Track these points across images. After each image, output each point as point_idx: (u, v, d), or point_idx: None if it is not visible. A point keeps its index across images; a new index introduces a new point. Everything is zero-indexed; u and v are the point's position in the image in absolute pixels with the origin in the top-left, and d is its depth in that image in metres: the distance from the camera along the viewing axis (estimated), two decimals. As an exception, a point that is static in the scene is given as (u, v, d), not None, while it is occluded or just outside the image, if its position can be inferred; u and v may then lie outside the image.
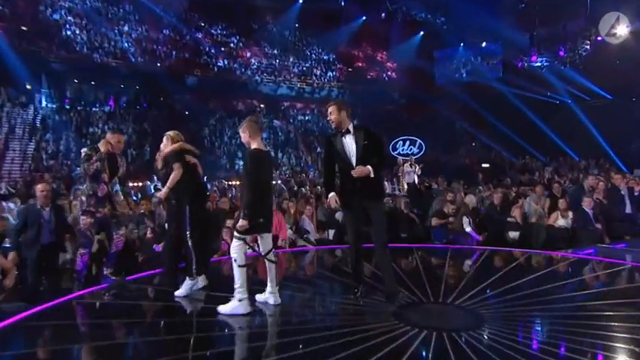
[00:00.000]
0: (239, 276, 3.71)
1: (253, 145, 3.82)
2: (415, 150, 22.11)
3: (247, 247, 3.81)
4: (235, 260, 3.74)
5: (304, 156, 21.98)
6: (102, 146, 4.79)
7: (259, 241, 3.98)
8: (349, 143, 3.92)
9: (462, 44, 22.89)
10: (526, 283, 4.54)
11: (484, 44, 22.18)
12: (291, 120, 24.81)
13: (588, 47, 17.01)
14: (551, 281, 4.68)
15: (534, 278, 4.82)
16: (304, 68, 26.33)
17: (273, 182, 16.62)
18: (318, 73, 26.61)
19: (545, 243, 7.23)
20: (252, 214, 3.69)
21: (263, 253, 3.94)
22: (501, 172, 20.46)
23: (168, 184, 4.19)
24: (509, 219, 7.82)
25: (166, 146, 4.39)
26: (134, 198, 10.92)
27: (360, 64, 28.15)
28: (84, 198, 5.64)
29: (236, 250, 3.74)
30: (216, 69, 23.69)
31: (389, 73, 27.87)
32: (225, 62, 24.31)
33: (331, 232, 7.94)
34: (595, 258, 5.80)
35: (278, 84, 24.94)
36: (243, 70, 24.51)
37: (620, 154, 19.61)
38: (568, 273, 5.26)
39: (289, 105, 25.84)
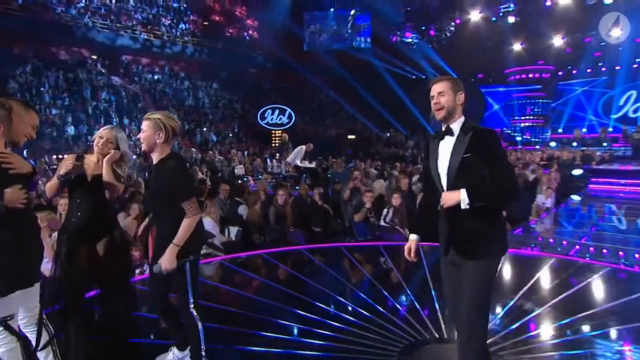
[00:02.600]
0: None
1: None
2: (285, 119, 21.61)
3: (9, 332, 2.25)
4: None
5: (157, 123, 19.26)
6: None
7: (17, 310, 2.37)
8: (444, 152, 2.42)
9: (332, 9, 22.76)
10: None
11: (353, 12, 22.45)
12: (135, 78, 21.44)
13: (453, 29, 18.70)
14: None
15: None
16: (150, 16, 22.88)
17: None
18: (168, 23, 23.51)
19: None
20: None
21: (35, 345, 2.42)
22: (369, 144, 21.53)
23: (181, 234, 2.53)
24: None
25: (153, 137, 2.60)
26: None
27: (217, 18, 25.84)
28: None
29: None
30: (20, 1, 18.74)
31: (250, 32, 26.28)
32: (36, -5, 19.46)
33: (233, 231, 6.80)
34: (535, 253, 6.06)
35: (117, 32, 21.14)
36: (64, 8, 20.00)
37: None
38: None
39: (132, 60, 22.26)
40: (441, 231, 2.50)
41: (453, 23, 19.00)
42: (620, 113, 22.05)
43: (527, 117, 22.81)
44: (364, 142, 21.76)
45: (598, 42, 20.18)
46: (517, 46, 21.26)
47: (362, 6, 21.93)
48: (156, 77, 22.56)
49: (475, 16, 18.71)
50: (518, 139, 22.46)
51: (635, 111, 21.77)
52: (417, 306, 3.98)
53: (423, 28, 19.74)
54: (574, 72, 22.49)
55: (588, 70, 22.11)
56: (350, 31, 22.16)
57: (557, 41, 20.78)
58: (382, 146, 20.76)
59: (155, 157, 2.62)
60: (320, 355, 3.16)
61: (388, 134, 22.68)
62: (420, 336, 3.43)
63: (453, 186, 2.36)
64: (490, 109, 24.24)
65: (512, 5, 17.77)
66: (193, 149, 14.92)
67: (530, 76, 22.27)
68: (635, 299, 4.06)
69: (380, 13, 20.73)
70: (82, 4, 20.62)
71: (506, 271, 5.11)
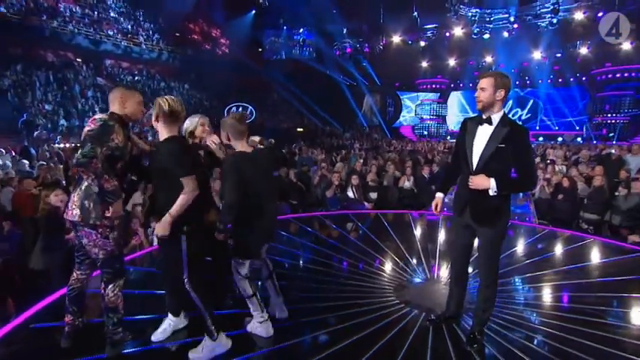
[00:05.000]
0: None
1: (237, 148, 2.43)
2: (247, 115, 20.99)
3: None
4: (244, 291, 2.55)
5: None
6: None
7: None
8: (481, 137, 2.24)
9: (285, 27, 22.23)
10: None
11: (301, 30, 22.11)
12: (118, 79, 19.53)
13: (381, 47, 19.18)
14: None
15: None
16: (129, 26, 20.84)
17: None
18: (144, 34, 21.57)
19: (397, 201, 7.73)
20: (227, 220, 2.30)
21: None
22: (314, 136, 21.56)
23: (177, 207, 2.16)
24: (370, 182, 8.08)
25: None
26: None
27: (189, 30, 24.10)
28: None
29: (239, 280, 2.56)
30: (18, 6, 16.34)
31: (215, 42, 24.85)
32: (22, 2, 16.96)
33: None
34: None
35: (100, 39, 19.04)
36: (50, 16, 17.63)
37: (386, 125, 23.52)
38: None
39: (113, 63, 20.22)
40: (459, 197, 2.37)
41: (381, 43, 19.58)
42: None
43: (432, 117, 24.14)
44: (310, 134, 21.74)
45: (477, 64, 22.11)
46: (424, 64, 22.45)
47: (309, 27, 21.66)
48: (136, 78, 20.75)
49: (397, 39, 19.54)
50: (425, 133, 23.77)
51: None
52: (395, 258, 4.18)
53: (358, 46, 20.11)
54: (461, 85, 24.17)
55: (470, 85, 23.95)
56: (300, 44, 21.86)
57: (451, 62, 22.22)
58: (325, 137, 20.89)
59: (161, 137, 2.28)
60: (337, 295, 3.20)
61: (328, 128, 22.86)
62: (407, 278, 3.64)
63: (481, 169, 2.21)
64: (404, 109, 25.24)
65: (422, 33, 18.68)
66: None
67: (433, 86, 23.57)
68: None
69: (326, 32, 20.72)
70: (68, 14, 18.33)
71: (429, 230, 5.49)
